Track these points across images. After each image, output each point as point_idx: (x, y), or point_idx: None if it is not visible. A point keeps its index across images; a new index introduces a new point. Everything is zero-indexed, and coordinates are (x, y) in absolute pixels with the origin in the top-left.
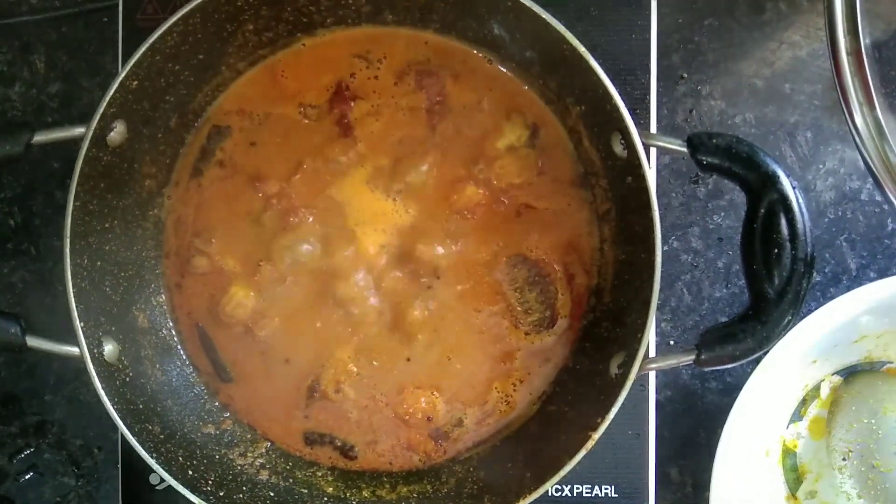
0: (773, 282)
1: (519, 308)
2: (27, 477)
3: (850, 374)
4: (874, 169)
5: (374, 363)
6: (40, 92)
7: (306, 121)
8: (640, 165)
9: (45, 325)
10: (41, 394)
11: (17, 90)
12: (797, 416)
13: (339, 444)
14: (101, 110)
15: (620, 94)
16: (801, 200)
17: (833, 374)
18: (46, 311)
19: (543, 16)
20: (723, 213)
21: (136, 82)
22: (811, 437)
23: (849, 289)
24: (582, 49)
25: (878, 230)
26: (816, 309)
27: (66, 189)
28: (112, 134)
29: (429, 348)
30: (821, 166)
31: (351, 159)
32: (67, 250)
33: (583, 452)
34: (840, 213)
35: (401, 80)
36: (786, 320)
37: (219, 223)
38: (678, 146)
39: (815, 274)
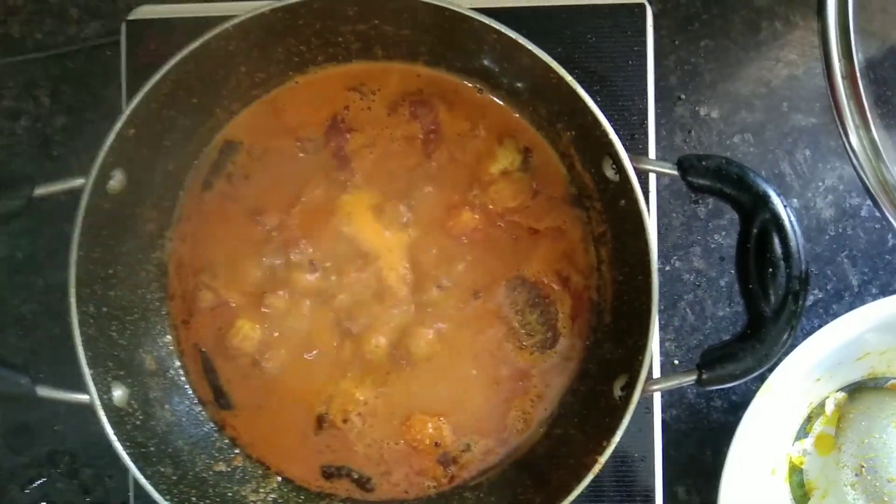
0: (770, 300)
1: (521, 330)
2: None
3: (854, 390)
4: (871, 188)
5: (381, 391)
6: (45, 126)
7: (302, 154)
8: (632, 189)
9: (54, 358)
10: (52, 424)
11: (23, 124)
12: (803, 432)
13: (355, 476)
14: (99, 160)
15: (618, 119)
16: (793, 219)
17: (837, 391)
18: (55, 343)
19: (529, 47)
20: (724, 233)
21: (132, 130)
22: (817, 454)
23: (851, 305)
24: (569, 78)
25: (879, 246)
26: (820, 326)
27: (72, 221)
28: (112, 182)
29: (433, 374)
30: (820, 183)
31: (349, 190)
32: (73, 300)
33: (590, 476)
34: (840, 230)
35: (394, 111)
36: (784, 338)
37: (222, 258)
38: (669, 169)
39: (817, 291)
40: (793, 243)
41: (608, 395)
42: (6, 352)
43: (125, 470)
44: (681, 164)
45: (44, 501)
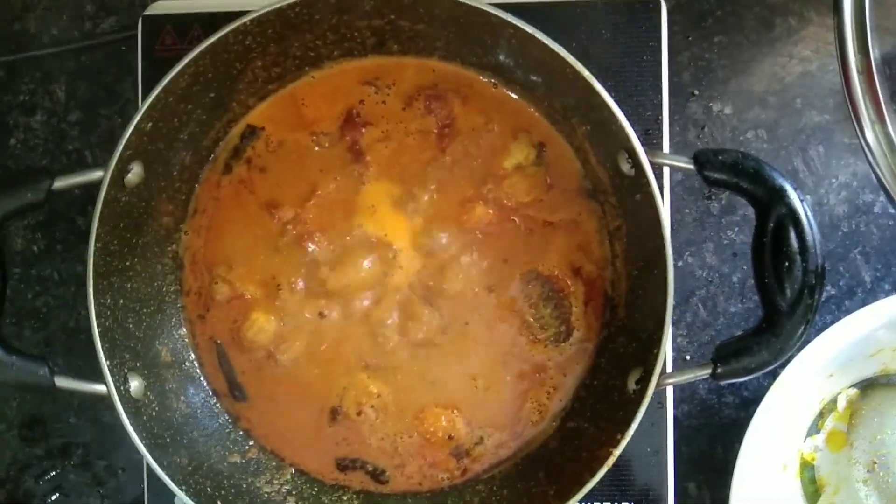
0: (786, 295)
1: (535, 324)
2: (53, 498)
3: (867, 386)
4: (886, 184)
5: (395, 384)
6: (61, 120)
7: (318, 148)
8: (648, 183)
9: (69, 351)
10: (66, 416)
11: (39, 119)
12: (814, 429)
13: (370, 468)
14: (117, 153)
15: (632, 115)
16: (809, 213)
17: (849, 388)
18: (70, 335)
19: (546, 42)
20: (737, 229)
21: (150, 124)
22: (829, 450)
23: (864, 302)
24: (585, 72)
25: (893, 243)
26: (832, 323)
27: (87, 215)
28: (129, 175)
29: (447, 367)
30: (833, 180)
31: (363, 184)
32: (91, 291)
33: (604, 469)
34: (854, 227)
35: (409, 106)
36: (799, 332)
37: (238, 251)
38: (685, 164)
39: (830, 287)
40: (809, 237)
41: (622, 389)
42: (21, 345)
43: (138, 462)
44: (697, 159)
45: (57, 493)
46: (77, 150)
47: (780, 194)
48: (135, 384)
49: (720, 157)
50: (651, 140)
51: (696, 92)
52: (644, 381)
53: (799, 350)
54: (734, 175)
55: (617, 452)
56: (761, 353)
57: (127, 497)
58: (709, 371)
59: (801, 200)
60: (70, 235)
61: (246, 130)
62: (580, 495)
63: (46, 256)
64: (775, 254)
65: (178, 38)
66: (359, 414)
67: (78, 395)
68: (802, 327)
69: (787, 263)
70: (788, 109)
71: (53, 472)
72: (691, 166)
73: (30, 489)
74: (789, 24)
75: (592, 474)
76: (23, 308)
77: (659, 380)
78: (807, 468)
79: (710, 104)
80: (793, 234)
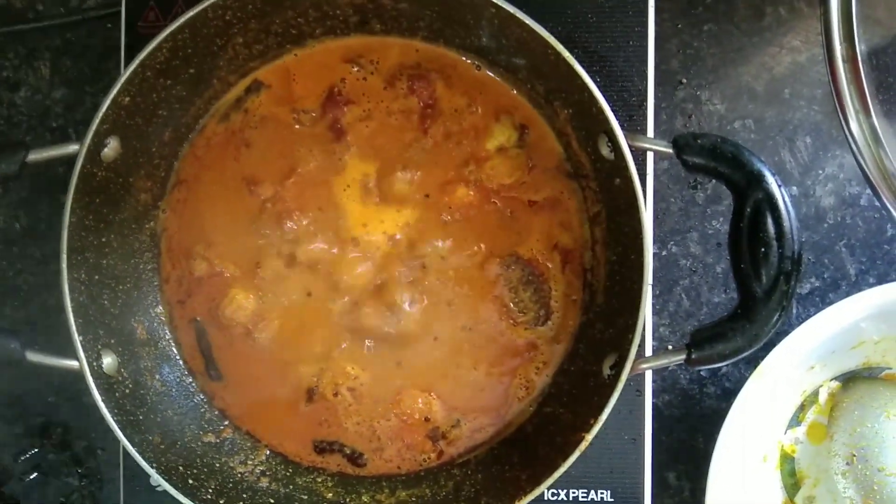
0: (761, 281)
1: (514, 308)
2: (31, 477)
3: (848, 379)
4: (870, 176)
5: (372, 365)
6: (45, 97)
7: (299, 126)
8: (626, 167)
9: (49, 329)
10: (46, 395)
11: (23, 95)
12: (795, 421)
13: (347, 451)
14: (93, 127)
15: (617, 101)
16: (786, 199)
17: (831, 380)
18: (51, 314)
19: (528, 22)
20: (721, 219)
21: (128, 98)
22: (810, 443)
23: (848, 294)
24: (566, 54)
25: (878, 236)
26: (815, 314)
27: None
28: (106, 150)
29: (424, 349)
30: (820, 172)
31: (344, 163)
32: (64, 266)
33: (577, 453)
34: (839, 219)
35: (391, 85)
36: (774, 318)
37: (216, 227)
38: (664, 147)
39: (814, 279)
40: (786, 223)
41: (597, 375)
42: (2, 322)
43: (117, 442)
44: (676, 143)
45: (35, 472)
46: (61, 126)
47: (758, 179)
48: (108, 360)
49: (699, 141)
50: (635, 126)
51: (684, 80)
52: (619, 366)
53: (779, 339)
54: (713, 159)
55: (589, 437)
56: (736, 340)
57: (105, 477)
58: (683, 356)
59: (780, 186)
60: (52, 214)
61: (252, 84)
62: (552, 479)
63: (28, 234)
64: (752, 239)
65: (161, 15)
66: (335, 395)
67: (57, 373)
68: (778, 314)
69: (763, 249)
70: (777, 100)
71: (32, 452)
72: (670, 150)
73: (8, 468)
74: (780, 14)
75: (565, 458)
76: (4, 286)
77: (633, 364)
78: (787, 460)
79: (698, 93)
80: (770, 220)
